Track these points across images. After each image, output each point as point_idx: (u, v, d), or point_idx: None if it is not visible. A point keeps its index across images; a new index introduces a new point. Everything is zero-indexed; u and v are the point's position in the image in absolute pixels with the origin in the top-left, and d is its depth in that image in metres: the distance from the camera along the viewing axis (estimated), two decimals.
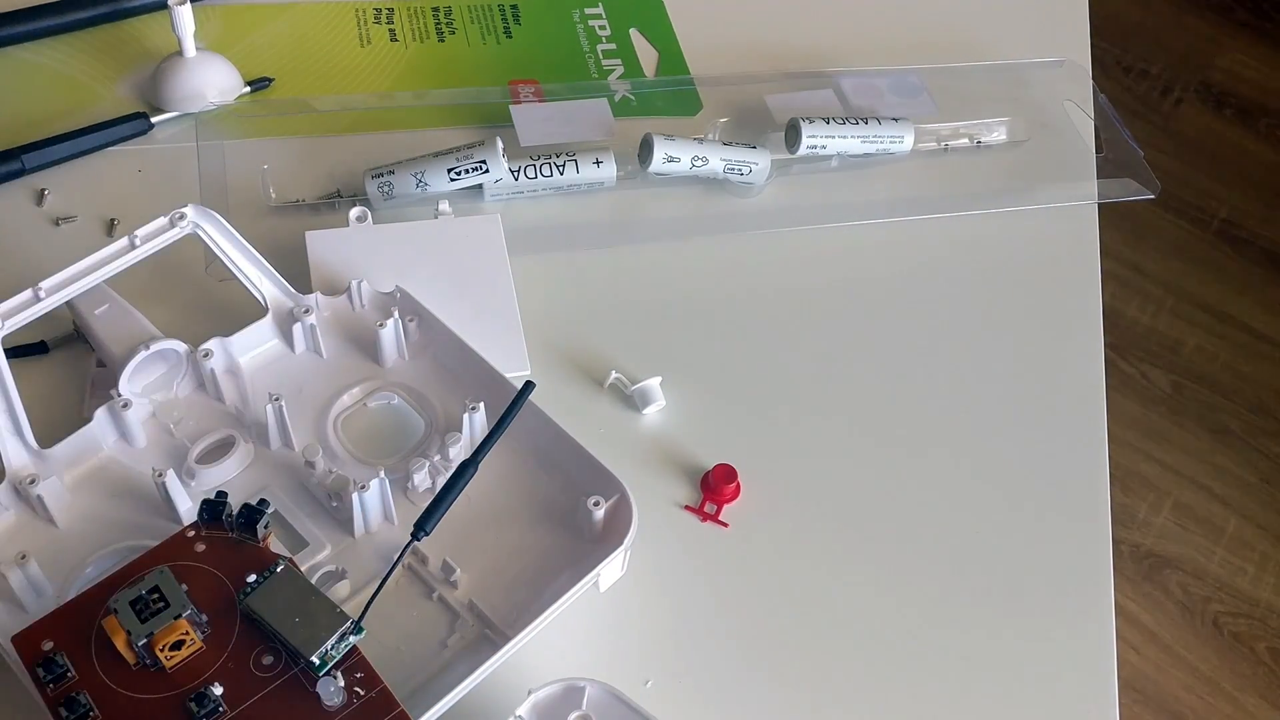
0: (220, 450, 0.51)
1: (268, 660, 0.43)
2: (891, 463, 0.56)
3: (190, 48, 0.65)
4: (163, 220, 0.51)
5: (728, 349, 0.59)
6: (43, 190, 0.62)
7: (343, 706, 0.41)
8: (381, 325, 0.53)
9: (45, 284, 0.49)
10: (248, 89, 0.67)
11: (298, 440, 0.51)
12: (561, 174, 0.63)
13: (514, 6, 0.75)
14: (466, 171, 0.61)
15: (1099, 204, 0.68)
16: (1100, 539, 0.54)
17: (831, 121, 0.66)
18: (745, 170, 0.65)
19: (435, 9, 0.74)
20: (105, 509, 0.49)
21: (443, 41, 0.72)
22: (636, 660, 0.49)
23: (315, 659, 0.42)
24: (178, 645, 0.42)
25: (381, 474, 0.48)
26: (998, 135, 0.70)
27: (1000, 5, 0.79)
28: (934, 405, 0.58)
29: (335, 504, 0.49)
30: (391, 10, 0.73)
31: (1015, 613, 0.52)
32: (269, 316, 0.54)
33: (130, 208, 0.62)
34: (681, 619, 0.50)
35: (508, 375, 0.52)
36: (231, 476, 0.50)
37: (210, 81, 0.66)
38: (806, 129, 0.65)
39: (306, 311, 0.54)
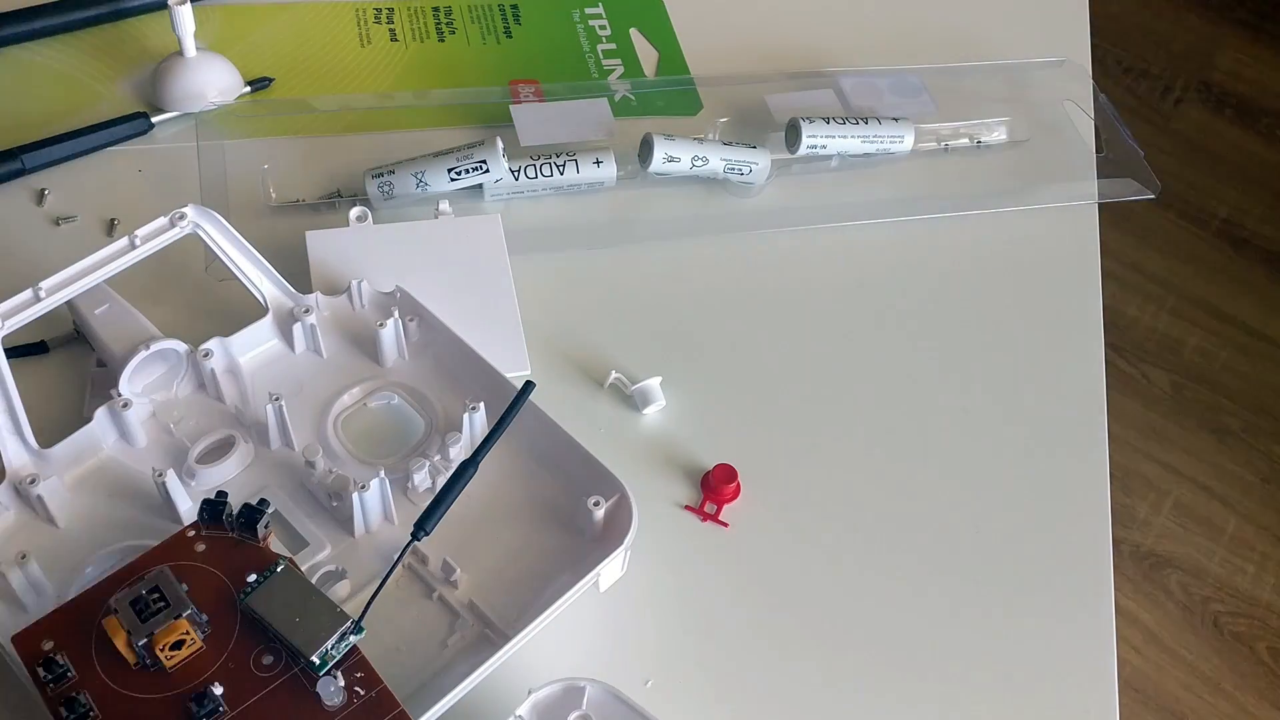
0: (220, 450, 0.51)
1: (268, 660, 0.43)
2: (891, 462, 0.56)
3: (190, 48, 0.65)
4: (163, 220, 0.51)
5: (728, 349, 0.59)
6: (43, 190, 0.62)
7: (343, 706, 0.41)
8: (381, 325, 0.53)
9: (45, 284, 0.49)
10: (248, 89, 0.67)
11: (298, 440, 0.51)
12: (561, 174, 0.63)
13: (514, 6, 0.75)
14: (467, 171, 0.61)
15: (1099, 204, 0.68)
16: (1100, 539, 0.54)
17: (831, 121, 0.66)
18: (745, 170, 0.65)
19: (435, 9, 0.74)
20: (105, 509, 0.49)
21: (443, 41, 0.72)
22: (636, 660, 0.49)
23: (315, 659, 0.42)
24: (178, 645, 0.42)
25: (381, 474, 0.48)
26: (998, 135, 0.70)
27: (1000, 5, 0.79)
28: (934, 405, 0.58)
29: (335, 504, 0.49)
30: (391, 10, 0.73)
31: (1015, 612, 0.52)
32: (269, 316, 0.54)
33: (130, 208, 0.62)
34: (681, 619, 0.50)
35: (508, 375, 0.52)
36: (231, 476, 0.50)
37: (210, 81, 0.66)
38: (806, 129, 0.65)
39: (306, 311, 0.54)
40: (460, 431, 0.51)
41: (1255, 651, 1.19)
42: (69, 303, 0.50)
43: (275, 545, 0.46)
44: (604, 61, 0.72)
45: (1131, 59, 1.67)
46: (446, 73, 0.71)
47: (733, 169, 0.65)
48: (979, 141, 0.70)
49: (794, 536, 0.53)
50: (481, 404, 0.51)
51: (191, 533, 0.45)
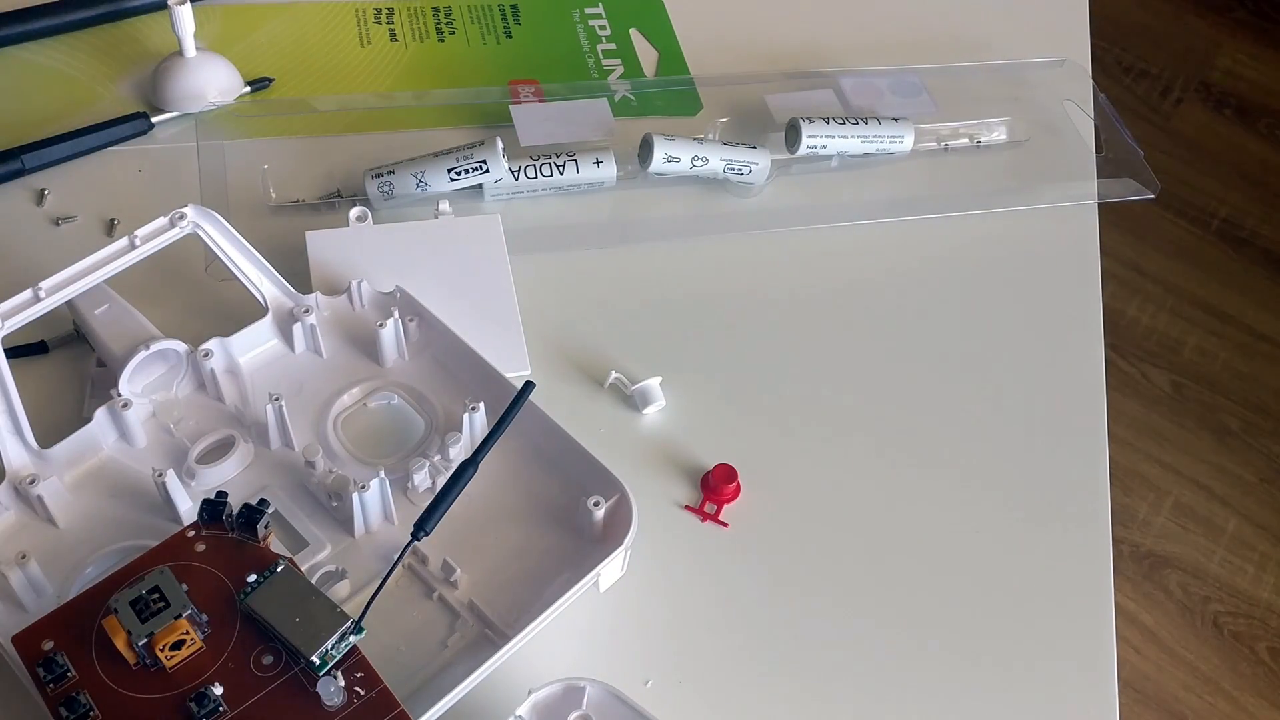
0: (220, 450, 0.51)
1: (268, 660, 0.43)
2: (891, 463, 0.56)
3: (190, 48, 0.65)
4: (163, 220, 0.51)
5: (728, 349, 0.59)
6: (43, 190, 0.62)
7: (343, 706, 0.41)
8: (381, 325, 0.53)
9: (45, 284, 0.49)
10: (248, 89, 0.67)
11: (298, 440, 0.51)
12: (561, 174, 0.63)
13: (514, 6, 0.75)
14: (467, 171, 0.61)
15: (1099, 204, 0.68)
16: (1100, 539, 0.54)
17: (831, 121, 0.66)
18: (745, 170, 0.65)
19: (435, 9, 0.74)
20: (105, 509, 0.49)
21: (443, 41, 0.72)
22: (636, 660, 0.49)
23: (315, 659, 0.42)
24: (178, 645, 0.42)
25: (381, 474, 0.48)
26: (998, 135, 0.70)
27: (1000, 5, 0.79)
28: (934, 405, 0.58)
29: (335, 504, 0.49)
30: (391, 10, 0.73)
31: (1015, 612, 0.52)
32: (269, 316, 0.54)
33: (130, 208, 0.62)
34: (681, 619, 0.50)
35: (508, 375, 0.52)
36: (231, 476, 0.50)
37: (210, 81, 0.66)
38: (806, 129, 0.65)
39: (306, 311, 0.54)
40: (460, 431, 0.51)
41: (1255, 651, 1.19)
42: (69, 303, 0.50)
43: (275, 545, 0.46)
44: (604, 61, 0.72)
45: (1131, 59, 1.67)
46: (446, 73, 0.71)
47: (733, 169, 0.65)
48: (979, 141, 0.70)
49: (794, 536, 0.53)
50: (481, 404, 0.51)
51: (191, 533, 0.45)
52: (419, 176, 0.61)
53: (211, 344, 0.52)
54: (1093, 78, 0.74)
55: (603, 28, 0.74)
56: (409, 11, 0.74)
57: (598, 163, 0.63)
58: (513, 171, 0.62)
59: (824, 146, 0.66)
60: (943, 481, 0.56)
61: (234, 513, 0.45)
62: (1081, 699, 0.50)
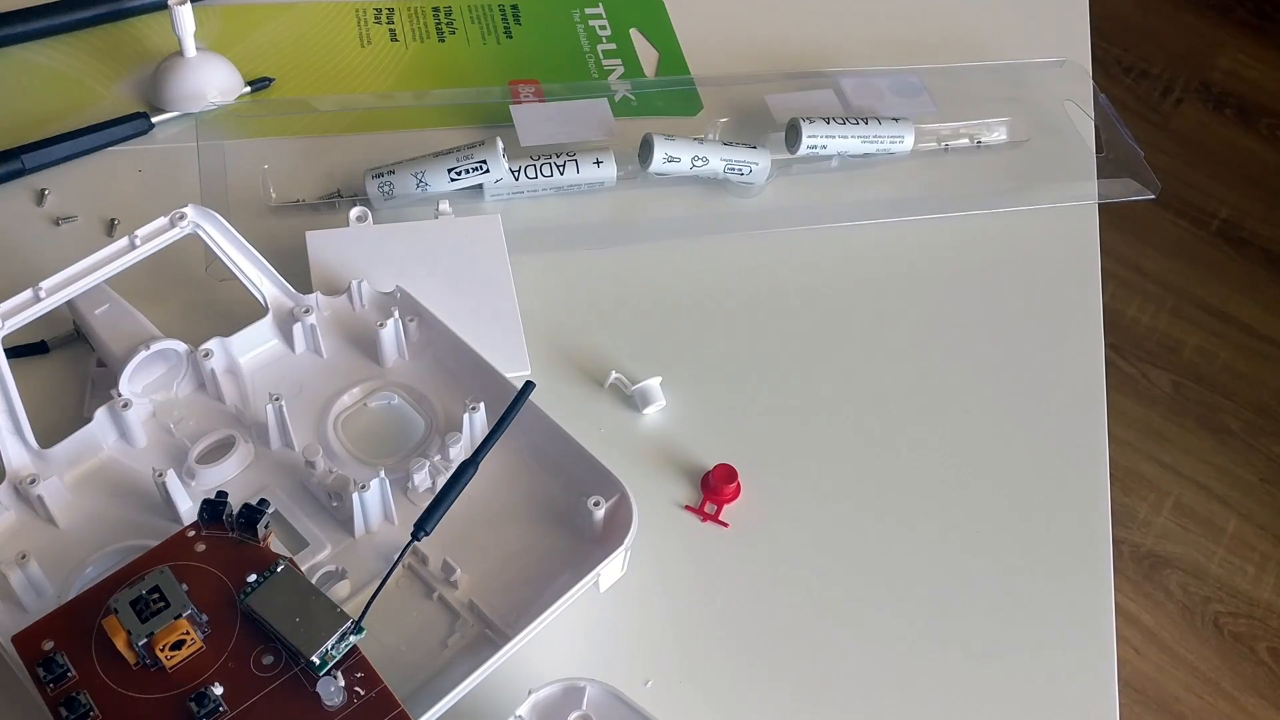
0: (220, 450, 0.51)
1: (268, 660, 0.43)
2: (892, 462, 0.56)
3: (190, 48, 0.65)
4: (163, 220, 0.51)
5: (728, 349, 0.59)
6: (43, 190, 0.62)
7: (343, 706, 0.41)
8: (381, 325, 0.53)
9: (45, 284, 0.49)
10: (248, 89, 0.67)
11: (298, 440, 0.51)
12: (561, 174, 0.63)
13: (514, 6, 0.75)
14: (467, 171, 0.61)
15: (1099, 204, 0.68)
16: (1100, 539, 0.54)
17: (831, 121, 0.66)
18: (745, 170, 0.65)
19: (435, 9, 0.74)
20: (105, 509, 0.49)
21: (443, 41, 0.72)
22: (636, 660, 0.49)
23: (315, 659, 0.42)
24: (178, 645, 0.42)
25: (381, 474, 0.48)
26: (998, 135, 0.70)
27: (1000, 5, 0.79)
28: (934, 405, 0.58)
29: (335, 504, 0.49)
30: (391, 10, 0.73)
31: (1015, 612, 0.52)
32: (269, 316, 0.54)
33: (130, 208, 0.62)
34: (681, 619, 0.50)
35: (508, 375, 0.52)
36: (231, 476, 0.50)
37: (210, 81, 0.66)
38: (806, 129, 0.65)
39: (306, 311, 0.54)
40: (460, 431, 0.51)
41: (1255, 651, 1.19)
42: (69, 303, 0.50)
43: (275, 545, 0.46)
44: (604, 61, 0.72)
45: (1131, 59, 1.67)
46: (446, 73, 0.71)
47: (733, 169, 0.65)
48: (979, 141, 0.70)
49: (794, 536, 0.53)
50: (481, 404, 0.51)
51: (191, 533, 0.46)
52: (419, 176, 0.61)
53: (212, 344, 0.52)
54: (1093, 78, 0.74)
55: (603, 28, 0.74)
56: (409, 11, 0.74)
57: (598, 163, 0.63)
58: (513, 171, 0.62)
59: (824, 146, 0.66)
60: (943, 481, 0.56)
61: (234, 513, 0.45)
62: (1081, 699, 0.50)
